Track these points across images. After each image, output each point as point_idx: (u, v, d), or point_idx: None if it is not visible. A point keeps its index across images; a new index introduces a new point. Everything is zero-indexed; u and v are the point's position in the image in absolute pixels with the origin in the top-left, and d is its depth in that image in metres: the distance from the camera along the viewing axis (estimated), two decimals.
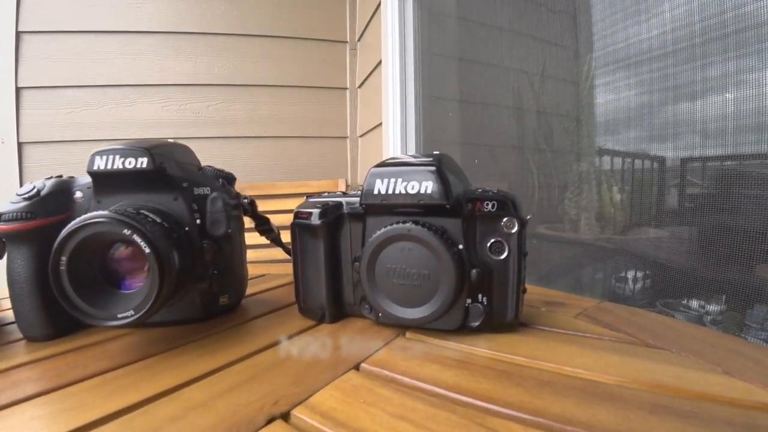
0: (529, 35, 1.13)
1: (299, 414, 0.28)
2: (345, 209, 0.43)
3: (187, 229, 0.40)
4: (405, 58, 1.28)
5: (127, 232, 0.34)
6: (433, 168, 0.38)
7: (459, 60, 1.35)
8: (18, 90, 1.35)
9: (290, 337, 0.41)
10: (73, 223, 0.35)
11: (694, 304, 0.70)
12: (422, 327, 0.41)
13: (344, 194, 0.44)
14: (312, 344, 0.40)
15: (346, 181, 1.55)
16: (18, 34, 1.35)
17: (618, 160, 0.92)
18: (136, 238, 0.34)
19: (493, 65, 1.23)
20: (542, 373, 0.34)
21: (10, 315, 0.51)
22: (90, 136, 1.39)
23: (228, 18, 1.51)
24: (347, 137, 1.62)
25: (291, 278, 0.64)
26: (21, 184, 1.31)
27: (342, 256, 0.43)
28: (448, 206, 0.38)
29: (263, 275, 0.67)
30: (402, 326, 0.42)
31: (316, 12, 1.59)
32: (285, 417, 0.28)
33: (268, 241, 0.56)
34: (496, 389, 0.31)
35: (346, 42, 1.63)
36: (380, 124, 1.36)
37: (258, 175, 1.52)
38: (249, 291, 0.54)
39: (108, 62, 1.43)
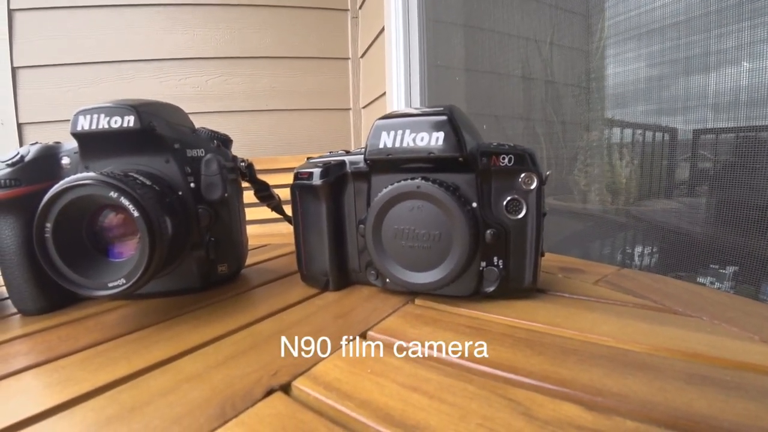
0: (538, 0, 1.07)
1: (300, 385, 0.26)
2: (348, 168, 0.40)
3: (180, 193, 0.38)
4: (408, 25, 1.23)
5: (113, 194, 0.31)
6: (443, 118, 0.34)
7: (464, 27, 1.29)
8: (14, 70, 1.31)
9: (292, 305, 0.39)
10: (56, 186, 0.32)
11: (706, 279, 0.66)
12: (433, 293, 0.38)
13: (347, 153, 0.41)
14: (315, 312, 0.38)
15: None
16: (10, 12, 1.31)
17: (630, 131, 0.88)
18: (124, 201, 0.31)
19: (500, 32, 1.18)
20: (565, 341, 0.31)
21: (4, 290, 0.50)
22: (82, 107, 1.36)
23: None
24: (350, 109, 1.58)
25: (292, 248, 0.62)
26: None
27: (346, 218, 0.41)
28: (461, 159, 0.35)
29: (265, 245, 0.65)
30: (411, 292, 0.40)
31: None
32: (285, 389, 0.26)
33: (271, 215, 0.54)
34: (516, 358, 0.28)
35: (347, 10, 1.57)
36: (383, 94, 1.31)
37: (259, 149, 1.48)
38: (249, 261, 0.52)
39: (103, 37, 1.39)
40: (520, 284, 0.38)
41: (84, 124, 0.36)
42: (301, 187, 0.40)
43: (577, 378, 0.26)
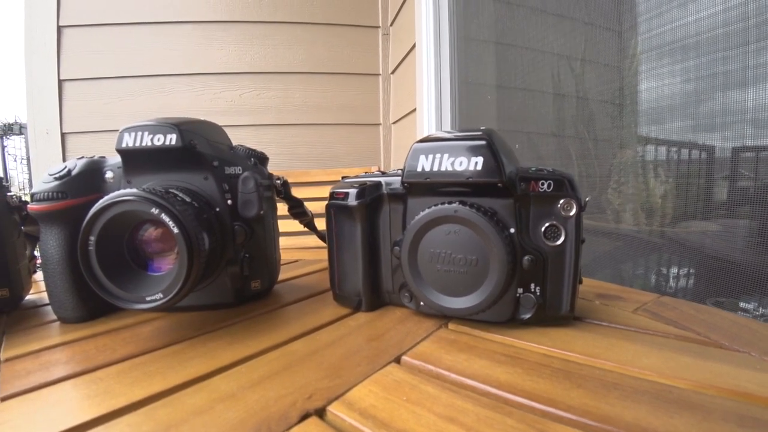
0: (570, 17, 1.06)
1: (335, 411, 0.25)
2: (384, 189, 0.39)
3: (217, 209, 0.38)
4: (440, 41, 1.23)
5: (155, 211, 0.32)
6: (483, 142, 0.34)
7: (495, 44, 1.29)
8: (60, 82, 1.38)
9: (325, 325, 0.39)
10: (100, 201, 0.33)
11: (749, 303, 0.63)
12: (467, 318, 0.37)
13: (383, 174, 0.41)
14: (348, 334, 0.37)
15: (379, 168, 1.51)
16: (59, 29, 1.38)
17: (665, 149, 0.85)
18: (165, 218, 0.32)
19: (531, 49, 1.17)
20: (605, 373, 0.30)
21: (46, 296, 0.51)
22: (128, 125, 1.41)
23: (259, 6, 1.50)
24: (380, 124, 1.59)
25: (324, 264, 0.62)
26: None
27: (380, 240, 0.40)
28: (500, 185, 0.34)
29: (296, 261, 0.65)
30: (445, 316, 0.39)
31: None
32: (320, 413, 0.25)
33: (300, 228, 0.54)
34: (555, 390, 0.27)
35: (378, 27, 1.59)
36: (413, 110, 1.32)
37: (290, 163, 1.50)
38: (281, 277, 0.52)
39: (143, 53, 1.45)
40: (557, 312, 0.37)
41: (129, 141, 0.37)
42: (336, 207, 0.40)
43: (620, 415, 0.24)
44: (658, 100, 0.82)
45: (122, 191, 0.33)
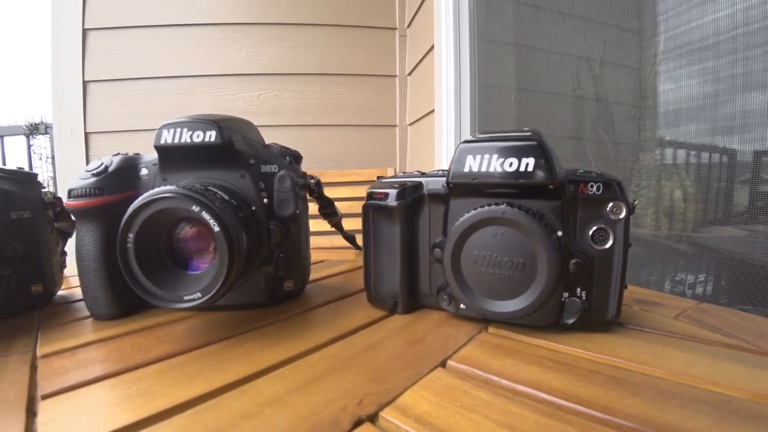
0: (590, 18, 1.05)
1: (389, 417, 0.24)
2: (424, 190, 0.38)
3: (253, 208, 0.38)
4: (459, 43, 1.22)
5: (195, 208, 0.31)
6: (534, 143, 0.33)
7: (515, 46, 1.28)
8: (85, 84, 1.40)
9: (362, 327, 0.38)
10: (140, 198, 0.33)
11: None
12: (508, 322, 0.36)
13: (422, 174, 0.40)
14: (387, 337, 0.36)
15: (395, 170, 1.51)
16: (84, 32, 1.40)
17: (685, 152, 0.83)
18: (205, 216, 0.31)
19: (550, 51, 1.16)
20: (658, 381, 0.29)
21: (78, 292, 0.51)
22: (148, 125, 1.41)
23: (277, 8, 1.51)
24: (396, 125, 1.58)
25: (351, 265, 0.62)
26: None
27: (419, 241, 0.39)
28: (551, 186, 0.33)
29: (322, 261, 0.64)
30: (484, 320, 0.38)
31: None
32: (372, 419, 0.24)
33: (323, 228, 0.53)
34: (610, 398, 0.26)
35: (396, 29, 1.59)
36: (431, 112, 1.31)
37: (306, 164, 1.50)
38: (310, 277, 0.51)
39: (164, 54, 1.46)
40: (602, 317, 0.36)
41: (167, 137, 0.36)
42: (375, 207, 0.39)
43: (682, 425, 0.23)
44: (680, 101, 0.80)
45: (162, 188, 0.33)
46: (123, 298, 0.41)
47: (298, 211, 0.40)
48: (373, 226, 0.39)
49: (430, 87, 1.31)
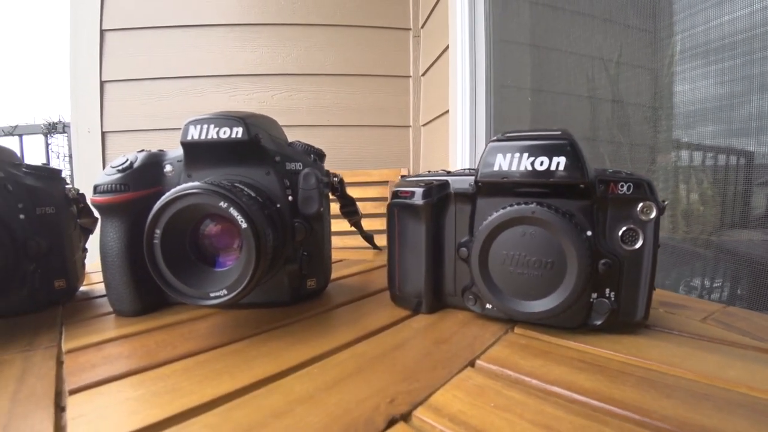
0: (606, 18, 1.03)
1: (422, 416, 0.24)
2: (451, 189, 0.38)
3: (278, 206, 0.38)
4: (475, 43, 1.21)
5: (223, 204, 0.31)
6: (566, 142, 0.32)
7: (530, 46, 1.27)
8: (102, 84, 1.42)
9: (387, 326, 0.38)
10: (168, 194, 0.32)
11: None
12: (535, 323, 0.36)
13: (448, 173, 0.39)
14: (413, 336, 0.36)
15: (408, 171, 1.50)
16: (102, 33, 1.42)
17: (705, 155, 0.81)
18: (233, 212, 0.31)
19: (566, 52, 1.14)
20: (690, 383, 0.28)
21: (99, 288, 0.51)
22: (163, 125, 1.44)
23: (292, 8, 1.51)
24: (409, 126, 1.58)
25: (369, 265, 0.62)
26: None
27: (445, 240, 0.39)
28: (582, 186, 0.33)
29: (341, 260, 0.64)
30: (510, 320, 0.38)
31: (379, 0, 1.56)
32: (405, 418, 0.24)
33: (341, 227, 0.53)
34: (644, 399, 0.26)
35: (409, 29, 1.59)
36: (445, 112, 1.30)
37: None
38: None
39: (180, 55, 1.47)
40: (630, 318, 0.35)
41: (194, 133, 0.36)
42: (401, 206, 0.38)
43: (720, 428, 0.23)
44: (697, 102, 0.79)
45: (189, 184, 0.32)
46: (146, 294, 0.41)
47: (322, 209, 0.40)
48: (398, 224, 0.39)
49: (445, 88, 1.30)
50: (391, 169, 1.49)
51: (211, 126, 0.36)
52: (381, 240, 0.62)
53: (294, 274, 0.39)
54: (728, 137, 0.73)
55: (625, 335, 0.35)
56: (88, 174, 1.37)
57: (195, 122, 0.36)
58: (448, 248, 0.39)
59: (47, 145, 1.84)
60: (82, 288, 0.51)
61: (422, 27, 1.56)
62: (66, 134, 1.83)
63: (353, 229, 0.58)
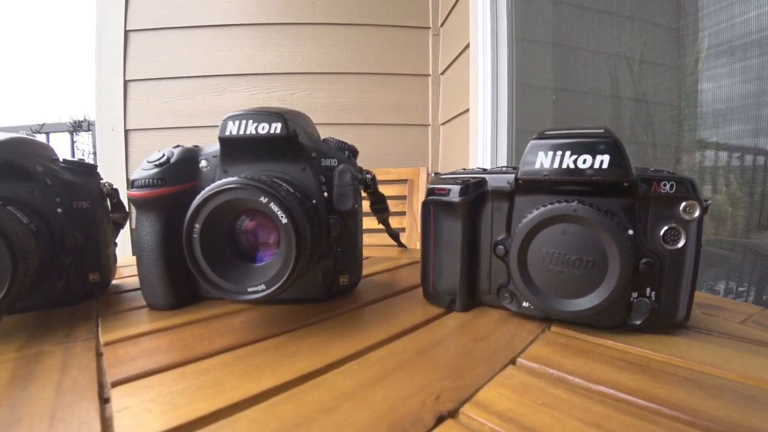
0: (630, 16, 1.02)
1: (470, 413, 0.24)
2: (488, 186, 0.38)
3: (314, 202, 0.38)
4: (497, 41, 1.20)
5: (263, 199, 0.31)
6: (609, 139, 0.32)
7: (552, 45, 1.25)
8: (126, 83, 1.45)
9: (422, 323, 0.37)
10: (208, 188, 0.33)
11: None
12: (572, 322, 0.35)
13: (484, 170, 0.39)
14: (451, 334, 0.35)
15: (428, 170, 1.50)
16: (126, 33, 1.44)
17: (731, 155, 0.79)
18: (273, 207, 0.31)
19: (590, 50, 1.13)
20: (737, 385, 0.28)
21: (130, 282, 0.52)
22: (184, 123, 1.46)
23: (312, 7, 1.52)
24: (429, 125, 1.57)
25: (396, 262, 0.61)
26: (127, 168, 1.40)
27: (481, 238, 0.38)
28: (626, 184, 0.32)
29: (367, 258, 0.64)
30: (545, 319, 0.37)
31: None
32: (452, 415, 0.24)
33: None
34: (692, 400, 0.25)
35: (429, 28, 1.58)
36: (465, 111, 1.29)
37: None
38: None
39: (201, 54, 1.49)
40: (671, 318, 0.35)
41: (233, 129, 0.36)
42: (437, 203, 0.38)
43: None
44: (724, 101, 0.77)
45: (229, 179, 0.33)
46: (179, 288, 0.42)
47: (356, 206, 0.40)
48: (434, 222, 0.39)
49: (465, 86, 1.30)
50: (410, 167, 1.48)
51: (250, 121, 0.36)
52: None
53: (328, 270, 0.39)
54: (757, 136, 0.72)
55: (664, 335, 0.35)
56: (112, 171, 1.40)
57: (233, 117, 0.36)
58: (483, 246, 0.38)
59: (73, 142, 1.88)
60: (113, 281, 0.52)
61: (442, 25, 1.56)
62: (91, 132, 1.87)
63: (380, 226, 0.58)
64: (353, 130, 1.54)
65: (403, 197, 1.43)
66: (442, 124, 1.55)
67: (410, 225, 1.38)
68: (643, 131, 1.00)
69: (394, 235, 0.60)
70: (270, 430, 0.22)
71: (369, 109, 1.54)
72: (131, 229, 0.53)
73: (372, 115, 1.54)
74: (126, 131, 1.43)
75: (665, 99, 0.94)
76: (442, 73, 1.56)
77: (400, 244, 0.66)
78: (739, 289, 0.79)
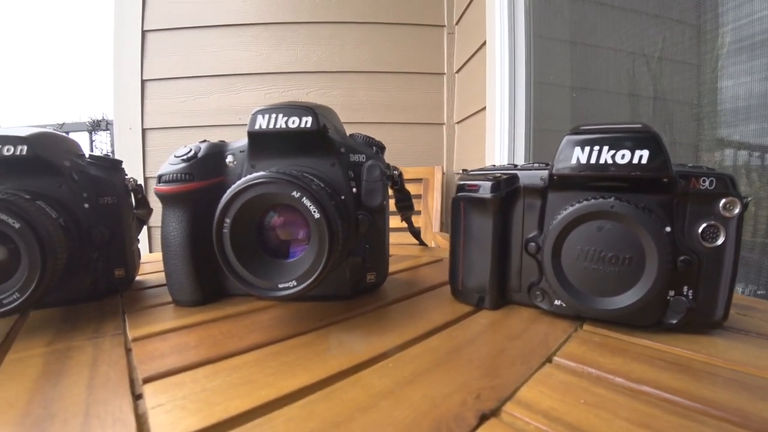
0: (651, 13, 1.00)
1: (513, 412, 0.23)
2: (520, 183, 0.37)
3: (343, 197, 0.37)
4: (515, 39, 1.19)
5: (296, 194, 0.31)
6: (649, 133, 0.31)
7: (570, 42, 1.23)
8: (143, 82, 1.46)
9: (453, 321, 0.37)
10: (239, 183, 0.32)
11: None
12: (610, 320, 0.35)
13: (515, 166, 0.38)
14: (483, 332, 0.35)
15: (443, 168, 1.49)
16: (143, 33, 1.46)
17: (752, 154, 0.77)
18: (306, 202, 0.31)
19: (609, 48, 1.11)
20: None
21: (153, 278, 0.52)
22: (200, 122, 1.47)
23: (326, 6, 1.52)
24: (443, 123, 1.56)
25: (417, 261, 0.61)
26: (144, 166, 1.41)
27: (511, 236, 0.38)
28: (666, 180, 0.31)
29: (390, 255, 0.64)
30: (578, 318, 0.37)
31: None
32: (494, 414, 0.23)
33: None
34: (739, 401, 0.25)
35: (444, 26, 1.57)
36: (481, 110, 1.28)
37: None
38: None
39: (217, 54, 1.50)
40: (708, 318, 0.34)
41: (262, 123, 0.36)
42: (467, 199, 0.37)
43: None
44: (745, 98, 0.75)
45: (260, 173, 0.32)
46: (205, 285, 0.42)
47: (385, 202, 0.39)
48: (464, 218, 0.38)
49: (481, 84, 1.29)
50: (425, 166, 1.48)
51: (280, 115, 0.35)
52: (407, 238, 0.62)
53: (357, 267, 0.39)
54: None
55: (701, 335, 0.34)
56: (129, 169, 1.40)
57: (263, 111, 0.36)
58: (514, 243, 0.38)
59: (91, 141, 1.90)
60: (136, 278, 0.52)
61: (457, 23, 1.55)
62: (109, 131, 1.89)
63: (400, 224, 0.57)
64: (367, 129, 1.51)
65: (418, 196, 1.42)
66: (457, 122, 1.54)
67: (425, 224, 1.37)
68: (662, 129, 0.98)
69: (416, 233, 0.59)
70: (309, 429, 0.22)
71: (383, 108, 1.54)
72: (147, 227, 0.53)
73: (386, 113, 1.54)
74: (143, 130, 1.45)
75: (685, 97, 0.92)
76: (457, 72, 1.55)
77: (422, 243, 0.65)
78: (758, 292, 0.77)
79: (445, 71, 1.56)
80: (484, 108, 1.26)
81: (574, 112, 1.19)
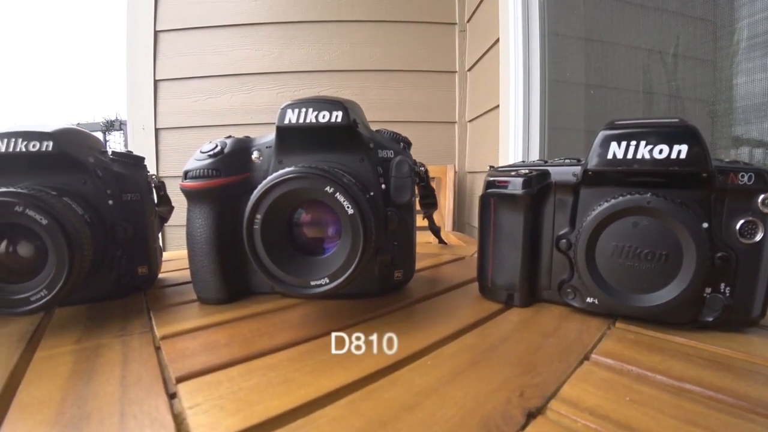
0: (667, 9, 0.98)
1: (560, 410, 0.23)
2: (551, 179, 0.36)
3: (372, 194, 0.37)
4: (529, 36, 1.18)
5: (329, 189, 0.31)
6: (687, 128, 0.31)
7: (585, 39, 1.22)
8: (156, 82, 1.47)
9: (484, 319, 0.36)
10: (271, 178, 0.32)
11: None
12: (644, 318, 0.34)
13: (545, 162, 0.38)
14: (516, 329, 0.34)
15: (455, 167, 1.48)
16: (156, 34, 1.46)
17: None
18: (339, 197, 0.31)
19: (624, 45, 1.10)
20: None
21: (175, 276, 0.52)
22: (213, 122, 1.47)
23: (338, 5, 1.52)
24: (455, 122, 1.56)
25: (440, 259, 0.60)
26: (157, 166, 1.42)
27: (542, 232, 0.37)
28: (705, 175, 0.31)
29: None
30: (610, 315, 0.36)
31: None
32: (540, 412, 0.23)
33: None
34: None
35: (455, 24, 1.56)
36: (493, 108, 1.27)
37: None
38: None
39: (228, 53, 1.50)
40: (745, 315, 0.33)
41: (292, 117, 0.36)
42: (498, 195, 0.37)
43: None
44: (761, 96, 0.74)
45: (291, 168, 0.32)
46: (231, 282, 0.41)
47: (413, 198, 0.39)
48: (494, 215, 0.37)
49: (494, 82, 1.27)
50: (437, 165, 1.47)
51: (310, 110, 0.35)
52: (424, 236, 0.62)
53: (385, 264, 0.38)
54: None
55: (737, 333, 0.34)
56: None
57: (292, 106, 0.36)
58: (544, 240, 0.37)
59: (105, 141, 1.92)
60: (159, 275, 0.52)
61: (468, 21, 1.54)
62: (122, 131, 1.91)
63: (423, 222, 0.57)
64: (379, 128, 1.53)
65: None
66: (470, 121, 1.53)
67: (438, 222, 1.37)
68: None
69: (437, 230, 0.59)
70: (354, 428, 0.21)
71: (395, 107, 1.53)
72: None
73: (398, 112, 1.53)
74: (156, 130, 1.45)
75: (701, 94, 0.91)
76: (469, 70, 1.54)
77: (441, 241, 0.65)
78: None
79: (457, 69, 1.55)
80: (497, 106, 1.25)
81: (589, 110, 1.17)
